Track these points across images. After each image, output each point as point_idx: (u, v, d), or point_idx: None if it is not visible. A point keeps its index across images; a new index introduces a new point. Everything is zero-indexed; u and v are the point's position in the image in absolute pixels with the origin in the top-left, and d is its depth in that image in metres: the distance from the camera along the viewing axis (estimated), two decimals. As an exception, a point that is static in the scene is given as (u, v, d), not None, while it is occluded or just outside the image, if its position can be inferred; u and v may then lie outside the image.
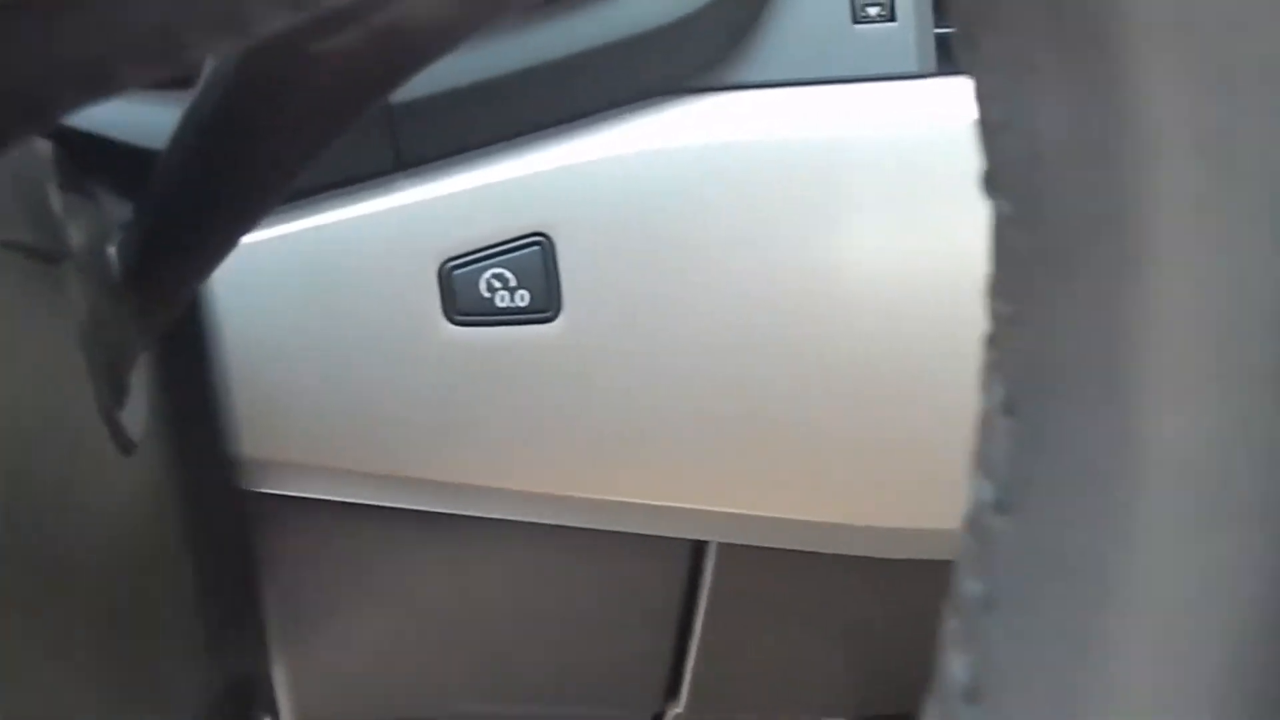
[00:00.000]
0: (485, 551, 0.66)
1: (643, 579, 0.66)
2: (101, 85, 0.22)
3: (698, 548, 0.66)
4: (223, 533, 0.61)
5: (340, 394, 0.57)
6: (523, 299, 0.56)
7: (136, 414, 0.48)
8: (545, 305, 0.56)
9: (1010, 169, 0.22)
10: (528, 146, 0.57)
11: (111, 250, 0.47)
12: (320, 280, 0.56)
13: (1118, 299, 0.20)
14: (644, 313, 0.56)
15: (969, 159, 0.23)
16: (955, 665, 0.22)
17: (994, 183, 0.22)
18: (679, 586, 0.67)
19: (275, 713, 0.75)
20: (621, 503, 0.60)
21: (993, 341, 0.23)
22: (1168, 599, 0.21)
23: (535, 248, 0.56)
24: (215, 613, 0.61)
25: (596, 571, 0.67)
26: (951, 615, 0.23)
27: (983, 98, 0.22)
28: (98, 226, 0.48)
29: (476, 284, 0.56)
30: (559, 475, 0.59)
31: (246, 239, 0.53)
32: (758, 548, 0.62)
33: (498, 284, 0.56)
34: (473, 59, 0.56)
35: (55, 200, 0.45)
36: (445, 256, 0.56)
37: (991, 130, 0.22)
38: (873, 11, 0.55)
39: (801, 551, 0.62)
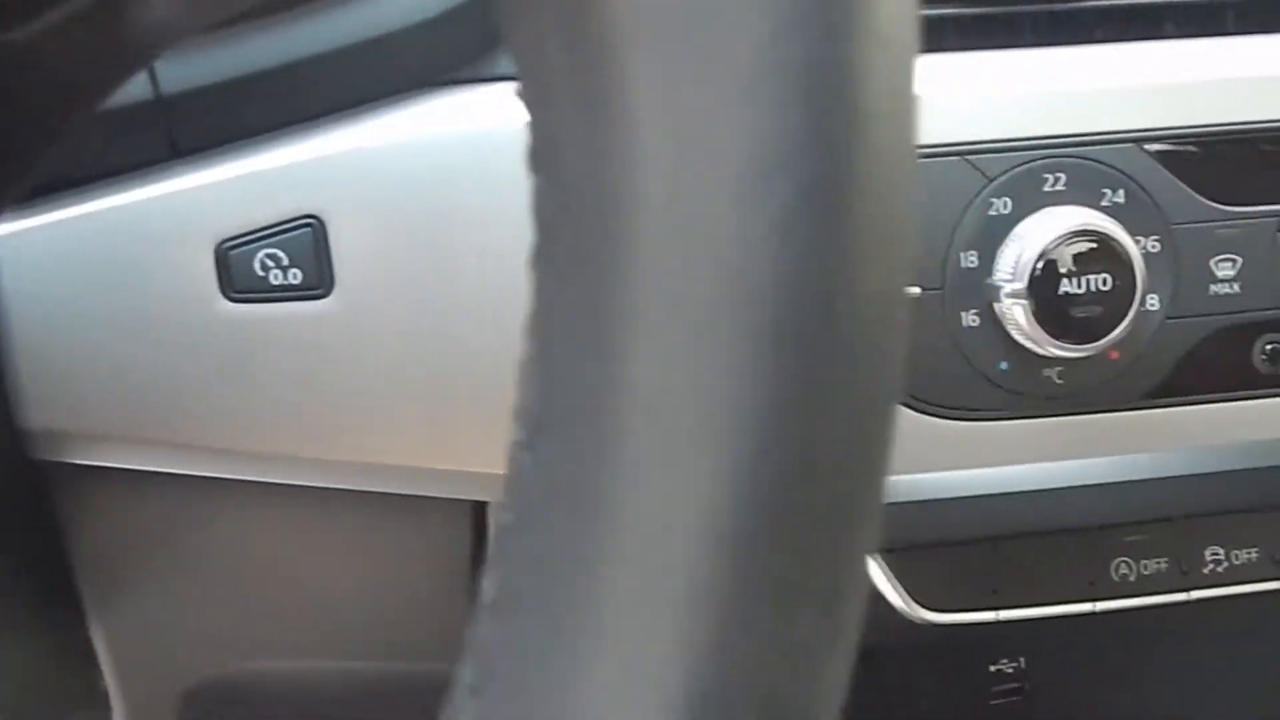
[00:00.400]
0: (282, 515, 0.71)
1: (434, 539, 0.72)
2: None
3: (479, 508, 0.70)
4: (23, 503, 0.66)
5: (126, 368, 0.62)
6: (295, 277, 0.62)
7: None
8: (318, 283, 0.62)
9: (538, 150, 0.27)
10: (299, 134, 0.62)
11: None
12: (104, 261, 0.61)
13: (603, 265, 0.26)
14: (411, 289, 0.62)
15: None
16: (487, 582, 0.28)
17: (529, 161, 0.28)
18: (467, 546, 0.72)
19: (100, 677, 0.77)
20: (398, 466, 0.65)
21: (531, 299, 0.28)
22: (646, 519, 0.26)
23: (307, 229, 0.61)
24: (28, 582, 0.66)
25: (387, 532, 0.72)
26: (490, 540, 0.28)
27: (518, 88, 0.28)
28: None
29: (251, 263, 0.61)
30: (336, 441, 0.65)
31: (31, 223, 0.58)
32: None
33: (271, 263, 0.61)
34: (244, 50, 0.61)
35: None
36: (221, 238, 0.61)
37: (528, 114, 0.27)
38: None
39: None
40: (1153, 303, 0.66)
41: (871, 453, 0.27)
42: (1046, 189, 0.65)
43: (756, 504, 0.26)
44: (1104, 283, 0.63)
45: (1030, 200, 0.64)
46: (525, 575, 0.27)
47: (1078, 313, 0.63)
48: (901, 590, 0.75)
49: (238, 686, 0.82)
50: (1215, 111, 0.67)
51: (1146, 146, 0.66)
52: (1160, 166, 0.66)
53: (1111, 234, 0.63)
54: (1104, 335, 0.64)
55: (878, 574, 0.76)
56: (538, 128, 0.27)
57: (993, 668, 0.98)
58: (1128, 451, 0.69)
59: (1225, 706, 1.03)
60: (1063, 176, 0.65)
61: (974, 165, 0.65)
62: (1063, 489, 0.74)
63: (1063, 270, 0.63)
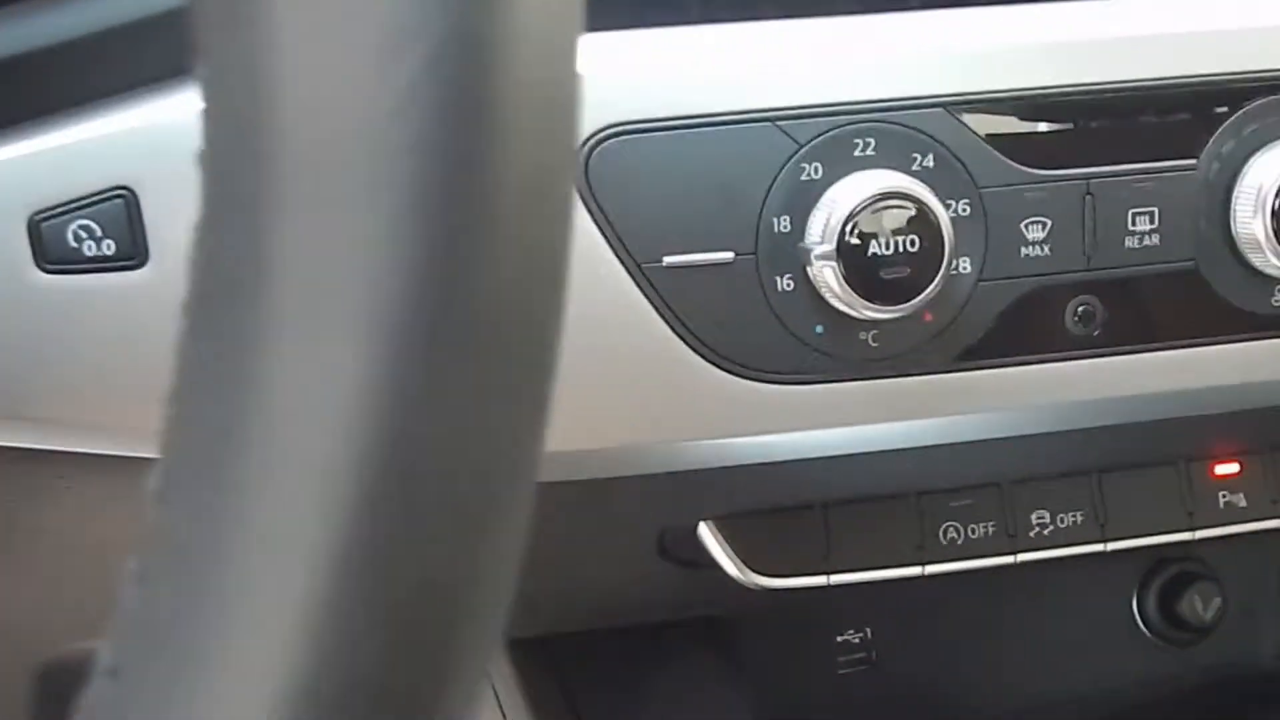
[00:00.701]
0: (122, 487, 0.70)
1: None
2: None
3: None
4: None
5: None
6: (109, 248, 0.62)
7: None
8: (132, 254, 0.62)
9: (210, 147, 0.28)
10: (109, 106, 0.62)
11: None
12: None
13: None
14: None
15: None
16: (132, 558, 0.28)
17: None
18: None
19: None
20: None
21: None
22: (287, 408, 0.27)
23: (119, 200, 0.61)
24: None
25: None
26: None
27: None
28: None
29: (64, 235, 0.61)
30: (155, 411, 0.64)
31: None
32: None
33: (84, 234, 0.61)
34: (51, 21, 0.61)
35: None
36: (33, 210, 0.61)
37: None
38: None
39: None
40: (964, 265, 0.67)
41: (535, 322, 0.27)
42: (857, 154, 0.66)
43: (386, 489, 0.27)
44: (912, 244, 0.64)
45: (841, 165, 0.66)
46: (160, 550, 0.28)
47: (887, 274, 0.64)
48: (735, 557, 0.76)
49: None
50: (1023, 76, 0.68)
51: (955, 111, 0.67)
52: (969, 131, 0.67)
53: (919, 197, 0.64)
54: (914, 297, 0.65)
55: (712, 542, 0.76)
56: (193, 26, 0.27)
57: (839, 638, 0.99)
58: (947, 413, 0.70)
59: (1068, 671, 1.04)
60: (873, 141, 0.66)
61: (784, 131, 0.66)
62: (889, 453, 0.75)
63: (871, 233, 0.64)
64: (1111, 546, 0.81)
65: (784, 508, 0.80)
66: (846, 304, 0.66)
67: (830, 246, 0.64)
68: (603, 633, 0.91)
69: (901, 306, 0.66)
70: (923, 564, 0.79)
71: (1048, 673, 1.05)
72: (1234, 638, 1.09)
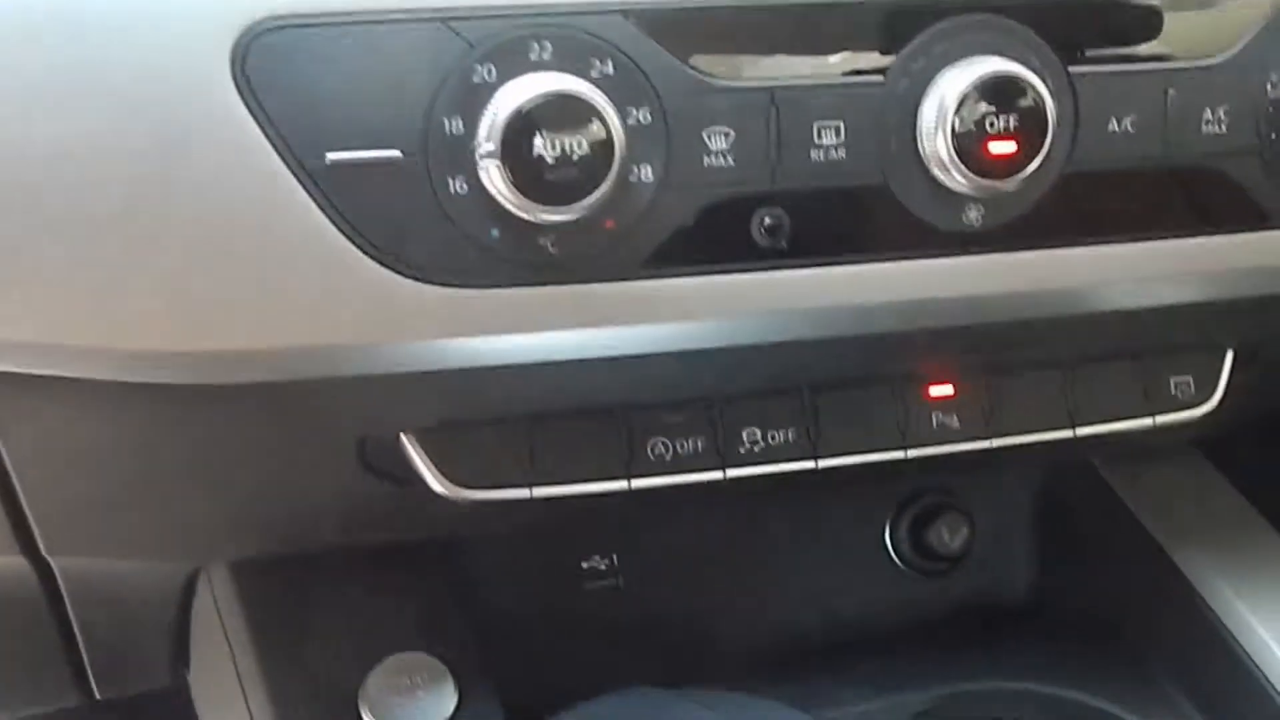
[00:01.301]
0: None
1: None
2: None
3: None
4: None
5: None
6: None
7: None
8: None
9: None
10: None
11: None
12: None
13: None
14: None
15: None
16: None
17: None
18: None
19: None
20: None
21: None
22: None
23: None
24: None
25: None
26: None
27: None
28: None
29: None
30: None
31: None
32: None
33: None
34: None
35: None
36: None
37: None
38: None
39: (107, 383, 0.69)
40: (645, 173, 0.66)
41: None
42: (532, 57, 0.65)
43: None
44: (579, 146, 0.63)
45: (515, 68, 0.65)
46: None
47: (553, 177, 0.63)
48: (436, 470, 0.75)
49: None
50: None
51: (636, 18, 0.66)
52: (649, 38, 0.66)
53: (588, 99, 0.63)
54: (582, 199, 0.64)
55: (413, 454, 0.75)
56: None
57: (585, 564, 0.98)
58: (636, 321, 0.70)
59: (821, 599, 1.04)
60: (549, 46, 0.65)
61: (458, 32, 0.65)
62: (591, 363, 0.74)
63: (535, 135, 0.62)
64: (823, 464, 0.80)
65: (488, 419, 0.76)
66: (518, 207, 0.65)
67: (494, 146, 0.63)
68: (333, 554, 0.90)
69: (570, 209, 0.65)
70: (629, 478, 0.77)
71: (800, 601, 1.05)
72: (984, 569, 1.09)
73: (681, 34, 0.68)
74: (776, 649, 1.04)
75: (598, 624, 1.01)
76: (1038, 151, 0.70)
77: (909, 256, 0.73)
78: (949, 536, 1.06)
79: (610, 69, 0.66)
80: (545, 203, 0.64)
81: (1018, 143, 0.69)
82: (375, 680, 0.88)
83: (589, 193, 0.64)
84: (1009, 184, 0.70)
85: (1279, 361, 0.91)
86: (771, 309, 0.72)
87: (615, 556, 1.00)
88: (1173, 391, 0.86)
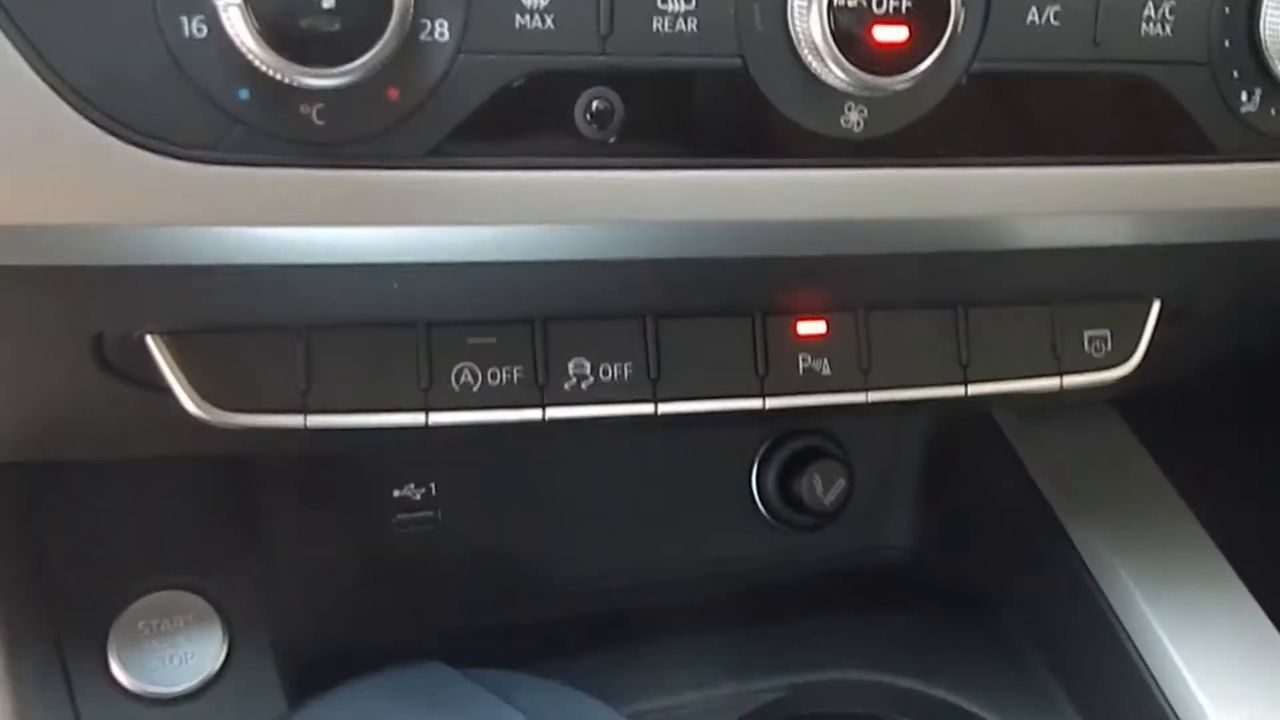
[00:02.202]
0: None
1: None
2: None
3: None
4: None
5: None
6: None
7: None
8: None
9: None
10: None
11: None
12: None
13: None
14: None
15: None
16: None
17: None
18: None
19: None
20: None
21: None
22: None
23: None
24: None
25: None
26: None
27: None
28: None
29: None
30: None
31: None
32: None
33: None
34: None
35: None
36: None
37: None
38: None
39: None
40: (440, 30, 0.53)
41: None
42: None
43: None
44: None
45: None
46: None
47: (309, 26, 0.51)
48: (186, 382, 0.59)
49: None
50: None
51: None
52: None
53: None
54: (353, 60, 0.52)
55: (160, 360, 0.60)
56: None
57: (396, 493, 0.83)
58: (427, 220, 0.58)
59: (675, 550, 0.91)
60: None
61: None
62: (382, 268, 0.62)
63: None
64: (663, 409, 0.65)
65: (252, 327, 0.64)
66: (267, 64, 0.52)
67: (239, -20, 0.47)
68: (84, 468, 0.78)
69: (338, 72, 0.52)
70: (426, 410, 0.62)
71: (644, 550, 0.92)
72: (859, 528, 0.96)
73: None
74: (612, 607, 0.89)
75: (407, 566, 0.90)
76: (936, 42, 0.57)
77: (771, 164, 0.60)
78: (822, 488, 0.91)
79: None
80: (304, 62, 0.52)
81: (911, 29, 0.56)
82: (126, 621, 0.77)
83: (362, 51, 0.52)
84: (898, 81, 0.57)
85: (1210, 318, 0.76)
86: (595, 217, 0.58)
87: (433, 485, 0.84)
88: (1085, 348, 0.72)
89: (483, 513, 0.88)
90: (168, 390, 0.63)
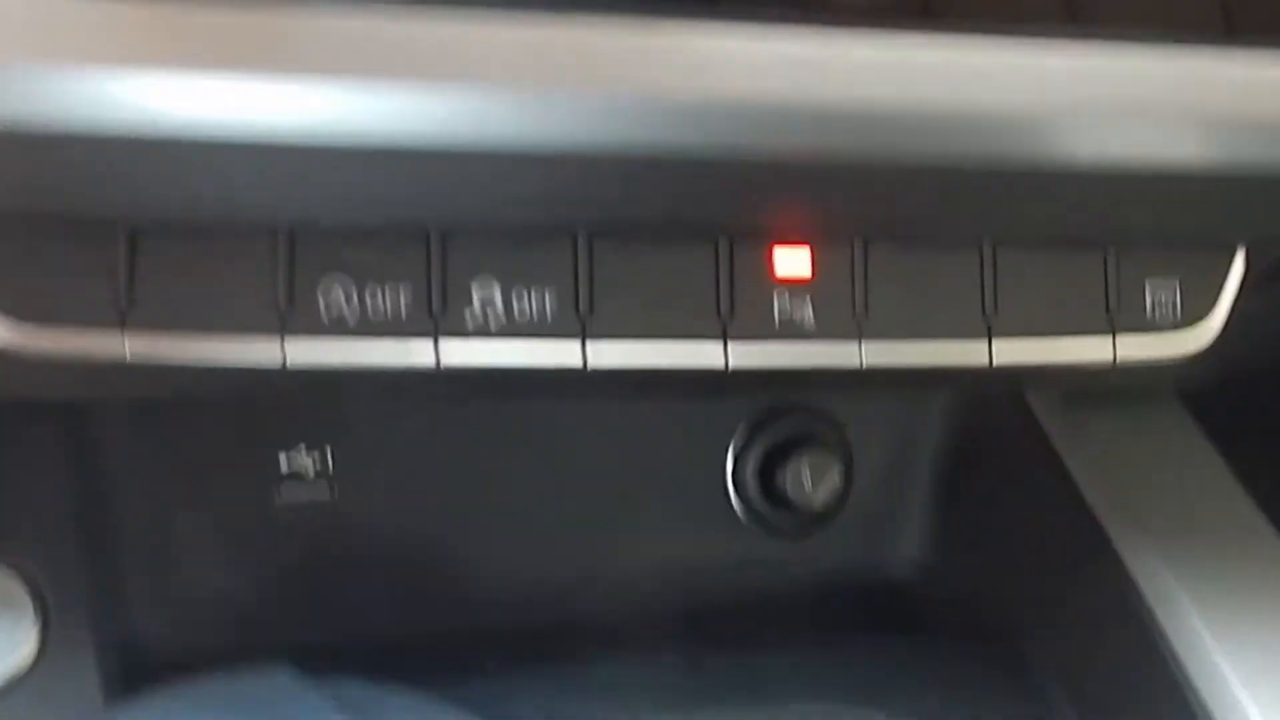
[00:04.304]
0: None
1: None
2: None
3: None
4: None
5: None
6: None
7: None
8: None
9: None
10: None
11: None
12: None
13: None
14: None
15: None
16: None
17: None
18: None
19: None
20: None
21: None
22: None
23: None
24: None
25: None
26: None
27: None
28: None
29: None
30: None
31: None
32: None
33: None
34: None
35: None
36: None
37: None
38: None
39: None
40: None
41: None
42: None
43: None
44: None
45: None
46: None
47: None
48: None
49: None
50: None
51: None
52: None
53: None
54: None
55: None
56: None
57: (284, 461, 0.76)
58: (280, 70, 0.50)
59: (631, 556, 0.90)
60: None
61: None
62: (237, 146, 0.53)
63: None
64: (594, 353, 0.56)
65: (63, 220, 0.58)
66: None
67: None
68: None
69: None
70: (281, 334, 0.53)
71: (597, 552, 0.88)
72: (857, 532, 0.87)
73: None
74: (545, 620, 0.86)
75: (289, 551, 0.83)
76: None
77: (746, 19, 0.52)
78: (812, 483, 0.82)
79: None
80: None
81: None
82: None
83: None
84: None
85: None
86: (506, 78, 0.51)
87: (328, 451, 0.78)
88: (1148, 308, 0.61)
89: (389, 491, 0.83)
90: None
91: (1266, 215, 0.64)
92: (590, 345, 0.60)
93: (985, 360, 0.63)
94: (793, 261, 0.61)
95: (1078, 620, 0.86)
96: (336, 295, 0.58)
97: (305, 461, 0.80)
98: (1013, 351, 0.63)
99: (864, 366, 0.62)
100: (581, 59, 0.50)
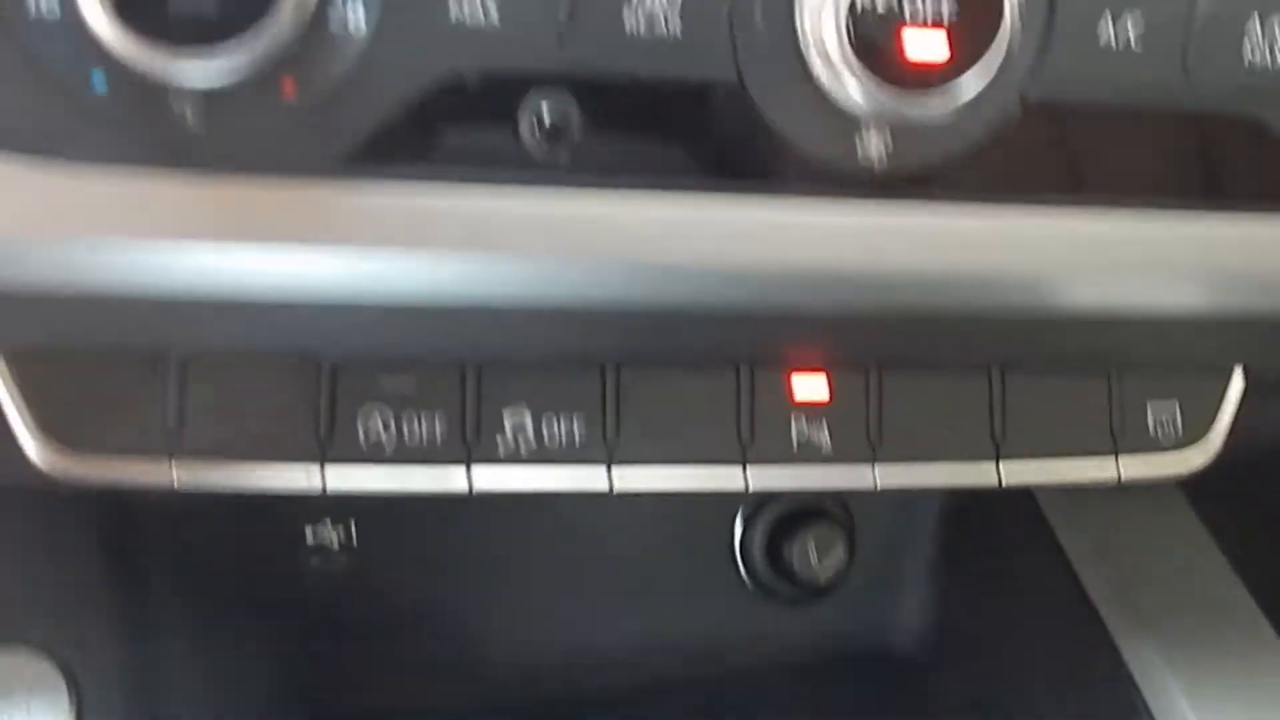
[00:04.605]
0: None
1: None
2: None
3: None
4: None
5: None
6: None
7: None
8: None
9: None
10: None
11: None
12: None
13: None
14: None
15: None
16: None
17: None
18: None
19: None
20: None
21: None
22: None
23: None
24: None
25: None
26: None
27: None
28: None
29: None
30: None
31: None
32: None
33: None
34: None
35: None
36: None
37: None
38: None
39: None
40: (353, 15, 0.50)
41: None
42: None
43: None
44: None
45: None
46: None
47: (175, 5, 0.46)
48: (26, 412, 0.58)
49: None
50: None
51: None
52: None
53: None
54: (231, 39, 0.48)
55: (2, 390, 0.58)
56: None
57: (310, 534, 0.79)
58: (335, 239, 0.54)
59: (640, 624, 0.89)
60: None
61: None
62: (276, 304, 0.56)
63: None
64: (620, 478, 0.60)
65: (116, 351, 0.60)
66: (124, 50, 0.48)
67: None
68: None
69: (211, 58, 0.48)
70: (321, 462, 0.57)
71: (609, 622, 0.87)
72: (860, 606, 0.90)
73: None
74: (557, 690, 0.86)
75: (314, 629, 0.85)
76: (981, 53, 0.52)
77: (766, 193, 0.55)
78: (817, 556, 0.85)
79: None
80: (164, 44, 0.47)
81: (952, 41, 0.51)
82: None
83: (243, 29, 0.47)
84: (933, 104, 0.52)
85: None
86: (539, 249, 0.55)
87: (351, 526, 0.78)
88: (1150, 428, 0.65)
89: (409, 565, 0.83)
90: (4, 424, 0.57)
91: (1261, 343, 0.67)
92: (616, 470, 0.63)
93: (994, 480, 0.66)
94: (811, 386, 0.64)
95: (1074, 708, 0.88)
96: (375, 423, 0.61)
97: (330, 534, 0.83)
98: (1021, 472, 0.67)
99: (878, 488, 0.65)
100: (612, 228, 0.53)
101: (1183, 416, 0.69)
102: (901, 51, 0.51)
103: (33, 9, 0.48)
